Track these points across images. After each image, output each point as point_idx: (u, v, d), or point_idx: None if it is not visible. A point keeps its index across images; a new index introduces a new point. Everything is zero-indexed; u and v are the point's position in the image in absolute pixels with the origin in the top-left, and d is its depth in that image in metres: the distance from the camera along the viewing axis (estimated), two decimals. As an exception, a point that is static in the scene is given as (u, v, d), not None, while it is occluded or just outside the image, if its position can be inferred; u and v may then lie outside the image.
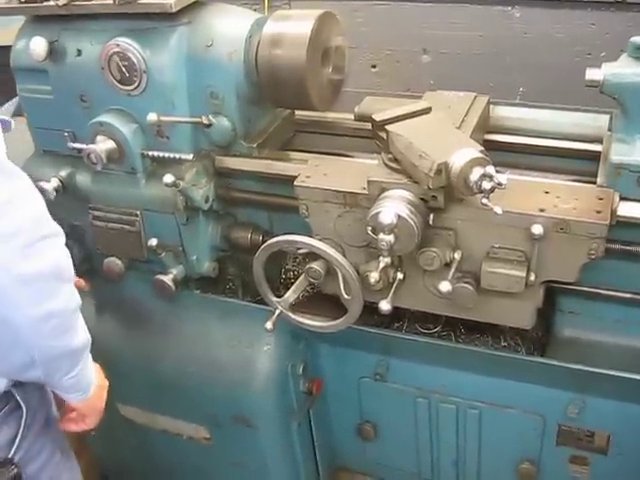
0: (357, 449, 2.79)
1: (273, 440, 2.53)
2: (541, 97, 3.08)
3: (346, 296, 2.01)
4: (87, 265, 2.46)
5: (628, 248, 1.90)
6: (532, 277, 1.84)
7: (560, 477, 2.43)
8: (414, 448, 2.64)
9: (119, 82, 2.15)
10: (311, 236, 2.02)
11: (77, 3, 2.12)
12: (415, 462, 2.69)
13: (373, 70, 3.54)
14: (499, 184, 1.64)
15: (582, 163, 2.13)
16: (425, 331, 2.36)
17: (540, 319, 2.15)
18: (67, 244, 2.42)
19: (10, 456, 1.76)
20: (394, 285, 1.97)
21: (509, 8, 3.17)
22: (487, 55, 3.29)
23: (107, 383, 1.95)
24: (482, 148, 1.73)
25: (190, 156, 2.17)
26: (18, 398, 1.77)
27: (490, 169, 1.65)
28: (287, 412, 2.51)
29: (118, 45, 2.10)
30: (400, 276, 1.98)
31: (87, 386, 1.83)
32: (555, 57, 3.17)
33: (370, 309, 2.10)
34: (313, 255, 2.04)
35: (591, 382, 2.13)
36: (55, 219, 2.35)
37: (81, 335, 1.72)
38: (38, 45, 2.16)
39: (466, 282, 1.91)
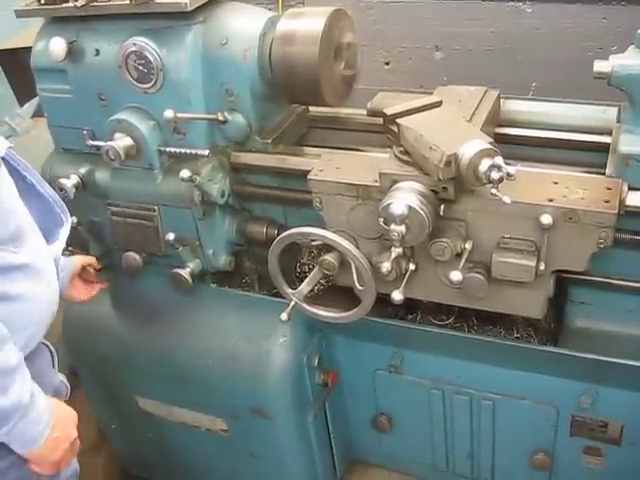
0: (372, 441, 2.82)
1: (289, 432, 2.56)
2: (554, 92, 3.08)
3: (359, 287, 2.04)
4: (106, 260, 2.51)
5: (638, 238, 1.91)
6: (542, 266, 1.86)
7: (574, 468, 2.45)
8: (429, 440, 2.67)
9: (136, 80, 2.19)
10: (325, 229, 2.05)
11: (95, 4, 2.17)
12: (430, 454, 2.72)
13: (386, 67, 3.56)
14: (508, 174, 1.67)
15: (591, 155, 2.14)
16: (438, 323, 2.39)
17: (552, 310, 2.18)
18: (87, 239, 2.48)
19: None
20: (406, 276, 1.99)
21: (520, 4, 3.18)
22: (499, 51, 3.30)
23: (74, 434, 1.86)
24: (491, 139, 1.75)
25: (206, 152, 2.21)
26: None
27: (499, 159, 1.67)
28: (303, 404, 2.54)
29: (135, 44, 2.15)
30: (412, 267, 2.01)
31: (27, 442, 1.75)
32: (567, 52, 3.17)
33: (384, 302, 2.13)
34: (327, 247, 2.08)
35: (604, 372, 2.14)
36: (75, 215, 2.43)
37: (10, 398, 1.66)
38: (57, 45, 2.21)
39: (477, 272, 1.93)
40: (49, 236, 1.92)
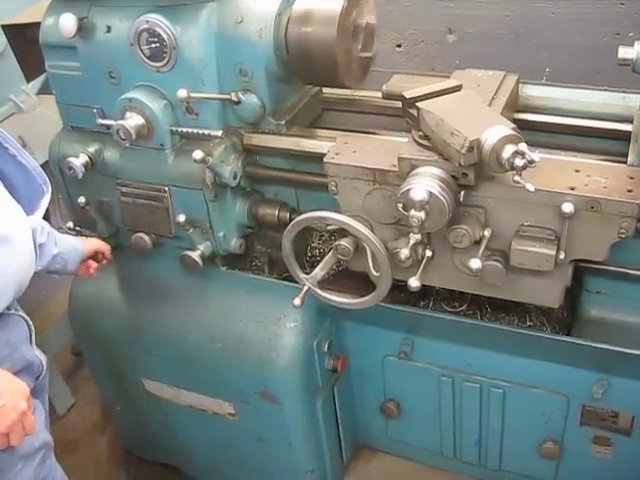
0: (380, 427, 2.81)
1: (297, 416, 2.55)
2: (568, 78, 3.04)
3: (375, 273, 2.02)
4: (115, 241, 2.48)
5: (659, 228, 1.88)
6: (562, 255, 1.84)
7: (583, 457, 2.44)
8: (437, 427, 2.66)
9: (148, 58, 2.15)
10: (339, 213, 2.02)
11: (107, -21, 2.13)
12: (438, 441, 2.71)
13: (398, 50, 3.51)
14: (531, 161, 1.64)
15: (612, 143, 2.11)
16: (451, 310, 2.37)
17: (566, 299, 2.15)
18: (95, 219, 2.45)
19: None
20: (423, 262, 1.97)
21: (536, -13, 3.14)
22: (513, 35, 3.24)
23: (22, 406, 1.78)
24: (514, 125, 1.72)
25: (219, 133, 2.18)
26: None
27: (523, 146, 1.64)
28: (312, 389, 2.53)
29: (148, 21, 2.10)
30: (429, 253, 1.98)
31: None
32: (582, 37, 3.11)
33: (396, 287, 2.10)
34: (341, 232, 2.05)
35: (616, 362, 2.13)
36: (83, 195, 2.40)
37: None
38: (68, 21, 2.16)
39: (495, 260, 1.91)
40: (30, 206, 1.93)
